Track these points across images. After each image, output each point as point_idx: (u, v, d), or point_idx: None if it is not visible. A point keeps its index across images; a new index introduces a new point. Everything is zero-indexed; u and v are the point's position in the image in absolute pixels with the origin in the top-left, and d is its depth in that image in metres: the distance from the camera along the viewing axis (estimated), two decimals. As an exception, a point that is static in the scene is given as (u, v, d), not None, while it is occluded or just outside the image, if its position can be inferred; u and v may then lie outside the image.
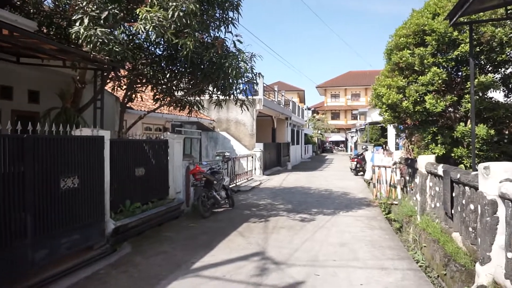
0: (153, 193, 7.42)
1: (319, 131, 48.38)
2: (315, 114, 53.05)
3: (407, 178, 8.63)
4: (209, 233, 6.59)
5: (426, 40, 6.83)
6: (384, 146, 21.16)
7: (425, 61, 6.71)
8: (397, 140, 10.30)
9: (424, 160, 6.54)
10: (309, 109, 50.82)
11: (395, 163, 9.10)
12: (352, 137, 41.75)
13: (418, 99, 6.76)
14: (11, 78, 7.71)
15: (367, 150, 18.65)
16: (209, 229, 6.89)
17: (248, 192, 12.00)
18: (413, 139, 7.96)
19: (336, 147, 54.87)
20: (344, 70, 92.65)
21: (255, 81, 7.58)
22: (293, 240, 6.19)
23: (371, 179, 15.52)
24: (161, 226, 7.01)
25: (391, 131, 23.04)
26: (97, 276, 4.52)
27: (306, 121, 38.14)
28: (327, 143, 51.94)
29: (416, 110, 6.78)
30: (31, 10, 6.23)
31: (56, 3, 6.83)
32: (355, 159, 18.37)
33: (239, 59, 6.57)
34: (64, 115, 6.57)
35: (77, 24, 5.38)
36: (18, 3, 6.40)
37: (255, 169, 16.85)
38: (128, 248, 5.58)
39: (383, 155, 12.91)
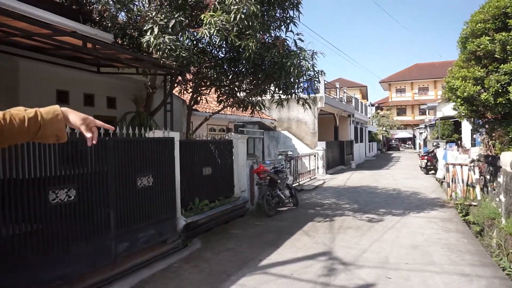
0: (220, 191, 7.68)
1: (384, 128, 46.20)
2: (379, 111, 50.77)
3: (488, 177, 7.88)
4: (274, 232, 6.64)
5: (508, 24, 6.16)
6: (458, 142, 19.56)
7: (508, 47, 6.06)
8: (474, 135, 9.43)
9: (509, 157, 5.91)
10: (372, 105, 48.75)
11: (473, 161, 8.36)
12: (420, 133, 39.20)
13: (500, 90, 6.13)
14: (92, 87, 8.49)
15: (438, 147, 17.38)
16: (274, 228, 6.94)
17: (311, 191, 11.88)
18: (494, 134, 7.24)
19: (403, 144, 51.96)
20: (410, 63, 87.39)
21: (317, 79, 7.47)
22: (361, 240, 6.00)
23: (444, 178, 14.44)
24: (227, 223, 7.23)
25: (466, 126, 21.17)
26: (172, 269, 4.79)
27: (369, 118, 36.67)
28: (393, 141, 49.40)
29: (497, 102, 6.16)
30: (108, 24, 6.79)
31: (129, 15, 7.37)
32: (426, 157, 17.23)
33: (301, 58, 6.53)
34: (138, 118, 7.07)
35: (148, 33, 5.75)
36: (97, 18, 7.02)
37: (317, 168, 16.62)
38: (198, 244, 5.84)
39: (458, 152, 11.93)
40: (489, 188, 7.72)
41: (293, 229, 6.78)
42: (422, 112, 45.39)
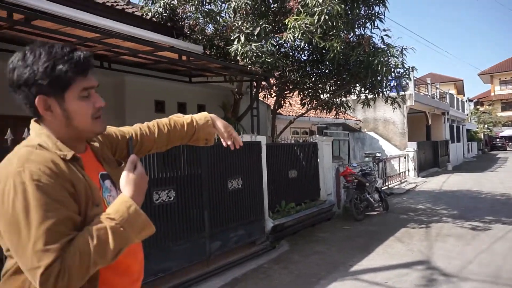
0: (305, 194, 7.65)
1: (486, 126, 41.20)
2: (478, 106, 45.49)
3: None
4: (364, 236, 6.39)
5: None
6: None
7: None
8: None
9: None
10: (470, 100, 43.88)
11: None
12: (533, 130, 34.08)
13: None
14: (185, 96, 9.19)
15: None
16: (364, 233, 6.67)
17: (402, 195, 11.15)
18: None
19: (510, 143, 45.73)
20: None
21: (407, 76, 7.01)
22: (464, 250, 5.43)
23: None
24: (314, 227, 7.16)
25: None
26: (262, 269, 4.92)
27: (467, 115, 33.08)
28: (498, 139, 43.73)
29: None
30: (199, 37, 7.29)
31: (216, 26, 7.82)
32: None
33: (389, 55, 6.20)
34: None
35: (235, 42, 6.03)
36: (188, 32, 7.60)
37: (408, 170, 15.53)
38: (286, 246, 5.90)
39: None
40: None
41: (384, 234, 6.44)
42: (534, 106, 39.43)
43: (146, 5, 7.07)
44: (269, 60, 5.89)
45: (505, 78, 47.07)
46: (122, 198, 1.07)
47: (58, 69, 1.04)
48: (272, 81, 8.95)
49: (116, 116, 8.02)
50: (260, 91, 8.72)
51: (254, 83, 7.09)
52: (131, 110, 7.98)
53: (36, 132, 1.10)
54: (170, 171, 4.56)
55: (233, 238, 5.43)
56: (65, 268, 0.92)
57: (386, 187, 12.07)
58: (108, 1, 6.39)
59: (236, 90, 7.79)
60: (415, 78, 17.08)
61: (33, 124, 1.12)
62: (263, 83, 7.62)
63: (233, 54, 5.97)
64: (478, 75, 49.18)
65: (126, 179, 1.11)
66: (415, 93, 16.36)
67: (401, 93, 7.83)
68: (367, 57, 6.36)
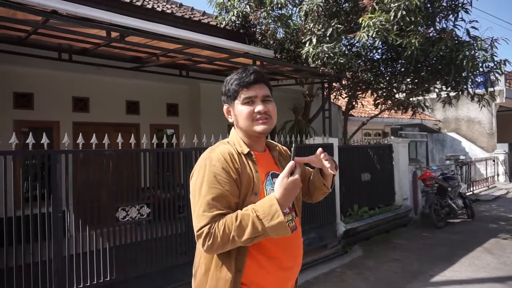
0: (379, 198, 7.35)
1: None
2: None
3: None
4: (446, 245, 5.94)
5: None
6: None
7: None
8: None
9: None
10: None
11: None
12: None
13: None
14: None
15: None
16: (446, 241, 6.20)
17: (490, 202, 10.11)
18: None
19: None
20: None
21: (498, 71, 6.35)
22: None
23: None
24: (388, 233, 6.85)
25: None
26: (335, 273, 4.85)
27: None
28: None
29: None
30: (270, 42, 7.43)
31: (287, 30, 7.89)
32: None
33: (476, 48, 5.68)
34: (297, 126, 7.47)
35: (307, 44, 6.03)
36: (259, 38, 7.77)
37: (497, 175, 14.03)
38: (359, 251, 5.73)
39: None
40: None
41: (470, 244, 5.91)
42: None
43: (220, 15, 7.40)
44: (342, 61, 5.78)
45: None
46: (270, 197, 1.30)
47: (229, 86, 1.48)
48: (344, 81, 8.77)
49: (192, 121, 8.54)
50: (331, 92, 8.60)
51: (326, 85, 7.01)
52: (206, 115, 8.42)
53: (231, 133, 1.54)
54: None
55: (305, 241, 5.43)
56: (211, 233, 1.25)
57: (471, 193, 11.04)
58: (186, 14, 6.83)
59: (307, 92, 7.77)
60: (505, 72, 15.36)
61: (232, 128, 1.55)
62: (335, 84, 7.50)
63: (304, 56, 5.98)
64: None
65: (280, 182, 1.31)
66: (506, 88, 14.72)
67: (490, 89, 7.12)
68: (449, 52, 5.90)
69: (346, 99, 9.18)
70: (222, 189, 1.31)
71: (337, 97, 9.27)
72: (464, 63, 5.65)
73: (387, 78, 8.37)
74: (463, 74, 6.60)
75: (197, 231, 1.28)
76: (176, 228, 4.13)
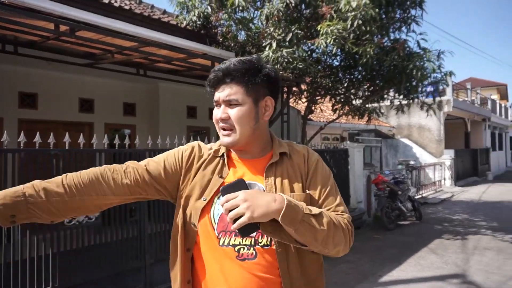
0: (335, 201, 7.56)
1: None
2: (524, 113, 42.95)
3: None
4: (395, 247, 6.21)
5: None
6: None
7: None
8: None
9: None
10: (514, 106, 41.52)
11: None
12: None
13: None
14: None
15: None
16: (395, 243, 6.48)
17: (437, 205, 10.73)
18: None
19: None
20: None
21: (444, 81, 6.78)
22: (504, 265, 5.15)
23: None
24: (344, 234, 7.04)
25: None
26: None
27: (511, 121, 31.31)
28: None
29: None
30: (231, 44, 7.42)
31: (249, 33, 7.92)
32: None
33: (425, 59, 6.03)
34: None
35: (267, 48, 6.08)
36: (220, 39, 7.74)
37: (444, 179, 14.93)
38: (315, 253, 5.84)
39: None
40: None
41: (417, 245, 6.23)
42: None
43: (181, 14, 7.29)
44: (301, 66, 5.90)
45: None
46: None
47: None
48: (303, 86, 8.94)
49: (150, 122, 8.33)
50: (290, 96, 8.73)
51: (286, 89, 7.10)
52: (164, 115, 8.24)
53: None
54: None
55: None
56: None
57: (420, 196, 11.67)
58: (145, 11, 6.65)
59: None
60: (453, 83, 16.43)
61: None
62: (294, 88, 7.62)
63: (264, 60, 6.03)
64: (523, 79, 46.42)
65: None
66: (453, 98, 15.74)
67: (438, 98, 7.58)
68: (401, 62, 6.21)
69: (305, 104, 9.37)
70: (158, 164, 1.18)
71: (296, 101, 9.44)
72: (414, 73, 5.97)
73: (345, 85, 8.65)
74: (414, 83, 6.97)
75: None
76: (127, 232, 3.98)
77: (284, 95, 6.92)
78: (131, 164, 1.18)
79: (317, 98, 9.14)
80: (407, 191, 8.04)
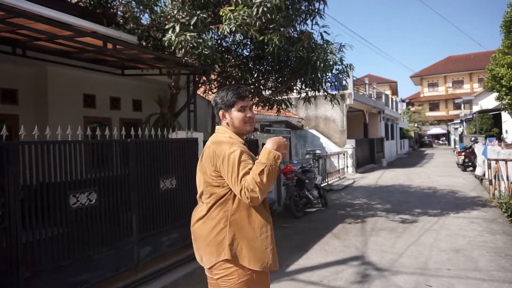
0: (245, 192, 7.49)
1: (416, 124, 44.52)
2: (410, 107, 49.03)
3: (537, 173, 7.22)
4: (302, 234, 6.36)
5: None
6: (501, 136, 18.40)
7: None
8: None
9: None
10: (403, 101, 47.14)
11: (519, 156, 7.69)
12: (455, 128, 37.41)
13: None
14: (118, 90, 8.55)
15: (477, 142, 16.42)
16: (303, 230, 6.66)
17: (341, 191, 11.47)
18: None
19: (436, 140, 49.90)
20: (442, 56, 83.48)
21: (345, 73, 7.10)
22: (396, 244, 5.61)
23: (484, 175, 13.58)
24: (254, 225, 7.02)
25: (508, 119, 19.93)
26: (195, 275, 4.63)
27: (400, 114, 35.39)
28: (426, 137, 47.49)
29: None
30: (133, 26, 6.75)
31: (152, 16, 7.33)
32: (463, 153, 16.32)
33: (327, 51, 6.21)
34: (162, 120, 7.00)
35: (170, 31, 5.63)
36: (121, 21, 7.01)
37: (347, 167, 16.12)
38: (224, 247, 5.65)
39: (500, 147, 11.14)
40: (539, 186, 7.07)
41: (323, 231, 6.48)
42: (457, 107, 43.35)
43: (71, -12, 6.38)
44: (206, 52, 5.58)
45: (433, 81, 51.21)
46: (264, 148, 1.94)
47: (228, 97, 2.08)
48: (213, 76, 8.66)
49: (37, 111, 7.21)
50: (200, 86, 8.38)
51: (192, 77, 6.73)
52: (55, 104, 7.20)
53: (224, 130, 2.12)
54: (90, 172, 4.10)
55: (166, 242, 5.08)
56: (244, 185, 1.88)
57: (326, 183, 12.36)
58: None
59: (173, 84, 7.35)
60: (354, 79, 17.77)
61: (219, 126, 2.19)
62: (203, 77, 7.28)
63: (166, 43, 5.58)
64: (410, 77, 52.95)
65: (268, 140, 1.98)
66: (354, 92, 17.00)
67: (341, 91, 8.01)
68: (306, 53, 6.31)
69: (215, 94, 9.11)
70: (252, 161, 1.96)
71: (207, 91, 9.13)
72: (318, 64, 6.11)
73: (255, 75, 8.60)
74: (318, 75, 7.19)
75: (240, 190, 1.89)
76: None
77: (191, 85, 6.54)
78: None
79: (226, 88, 8.95)
80: (313, 179, 8.35)
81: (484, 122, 21.07)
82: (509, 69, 5.61)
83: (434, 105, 51.07)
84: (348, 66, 6.68)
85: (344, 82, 12.84)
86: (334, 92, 8.20)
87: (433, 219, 7.17)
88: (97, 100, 8.37)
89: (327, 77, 7.03)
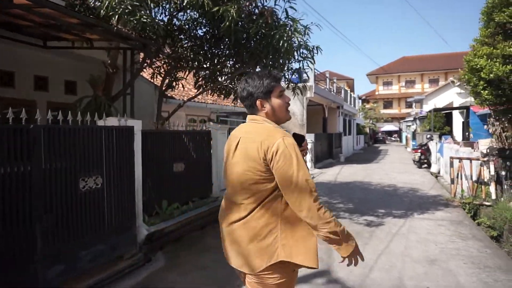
0: (195, 191, 6.51)
1: (371, 121, 45.62)
2: (365, 104, 50.19)
3: (503, 173, 6.94)
4: (258, 241, 5.52)
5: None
6: (452, 135, 18.85)
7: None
8: (485, 127, 8.49)
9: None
10: (359, 98, 48.09)
11: (487, 154, 7.39)
12: (408, 126, 38.68)
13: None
14: (46, 68, 7.18)
15: (432, 139, 16.58)
16: (259, 235, 5.82)
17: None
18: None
19: (389, 137, 51.60)
20: (397, 56, 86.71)
21: (311, 60, 6.31)
22: (364, 252, 4.88)
23: (439, 172, 13.63)
24: (204, 229, 6.09)
25: (457, 118, 20.49)
26: (123, 299, 3.62)
27: (357, 110, 35.87)
28: (379, 133, 48.91)
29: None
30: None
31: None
32: (419, 150, 16.41)
33: (292, 30, 5.36)
34: (94, 104, 5.81)
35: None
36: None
37: (305, 162, 15.55)
38: (162, 260, 4.66)
39: (459, 145, 11.06)
40: (505, 186, 6.78)
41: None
42: (409, 105, 44.90)
43: None
44: (146, 20, 4.51)
45: (387, 80, 52.73)
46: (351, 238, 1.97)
47: (265, 84, 1.86)
48: (161, 60, 7.58)
49: None
50: (145, 66, 7.23)
51: (131, 53, 5.60)
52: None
53: (264, 120, 1.88)
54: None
55: (87, 256, 4.00)
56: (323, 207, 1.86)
57: (285, 179, 11.64)
58: None
59: (109, 62, 6.15)
60: (315, 72, 17.24)
61: (255, 116, 1.90)
62: (142, 55, 6.15)
63: (92, 4, 4.44)
64: (367, 75, 54.16)
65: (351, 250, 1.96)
66: (315, 85, 16.47)
67: (303, 83, 7.30)
68: (269, 31, 5.43)
69: (167, 79, 8.00)
70: None
71: (155, 75, 8.00)
72: (281, 44, 5.24)
73: (210, 59, 7.61)
74: (281, 61, 6.37)
75: (314, 202, 1.73)
76: None
77: (128, 60, 5.42)
78: None
79: (178, 71, 7.88)
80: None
81: (437, 121, 21.54)
82: (489, 60, 5.06)
83: (388, 102, 52.67)
84: (315, 48, 5.87)
85: (305, 76, 12.13)
86: (296, 81, 7.43)
87: (399, 221, 6.65)
88: (17, 79, 6.96)
89: (291, 62, 6.20)
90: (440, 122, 21.70)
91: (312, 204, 1.69)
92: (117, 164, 4.41)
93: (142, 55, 7.23)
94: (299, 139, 1.89)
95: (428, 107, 25.30)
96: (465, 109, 17.75)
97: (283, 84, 7.58)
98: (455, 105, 21.02)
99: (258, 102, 1.86)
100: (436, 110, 20.81)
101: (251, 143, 1.76)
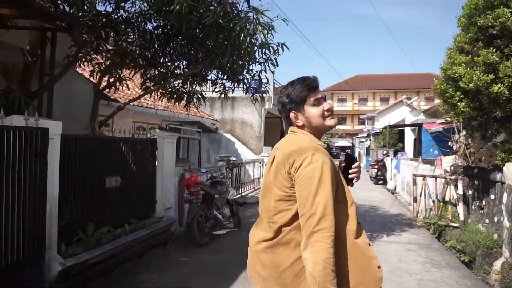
0: (133, 211, 5.42)
1: (326, 136, 46.35)
2: (321, 119, 51.05)
3: (470, 192, 6.60)
4: (207, 273, 4.56)
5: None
6: (404, 151, 19.13)
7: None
8: (450, 142, 8.24)
9: (519, 171, 4.53)
10: (315, 113, 48.77)
11: (454, 173, 7.05)
12: (361, 142, 39.62)
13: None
14: None
15: (388, 155, 16.63)
16: (207, 267, 4.85)
17: (255, 205, 9.95)
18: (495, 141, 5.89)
19: (342, 152, 52.76)
20: (352, 74, 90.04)
21: (273, 62, 5.58)
22: None
23: (395, 189, 13.52)
24: (141, 257, 5.03)
25: (409, 135, 20.98)
26: None
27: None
28: (334, 149, 49.83)
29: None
30: None
31: None
32: (376, 166, 16.34)
33: (255, 23, 4.58)
34: (4, 99, 4.60)
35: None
36: None
37: (262, 176, 14.83)
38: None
39: (417, 162, 10.89)
40: (473, 207, 6.42)
41: (234, 268, 4.73)
42: (361, 122, 46.32)
43: None
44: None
45: (342, 97, 54.23)
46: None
47: (297, 93, 1.67)
48: (102, 57, 6.53)
49: None
50: (79, 60, 6.11)
51: (52, 35, 4.49)
52: None
53: (299, 130, 1.71)
54: None
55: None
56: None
57: (240, 195, 10.78)
58: None
59: (28, 48, 4.96)
60: (275, 84, 16.72)
61: (293, 127, 1.73)
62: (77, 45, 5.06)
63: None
64: (322, 91, 55.24)
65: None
66: (273, 96, 15.92)
67: (260, 95, 6.62)
68: (228, 23, 4.61)
69: (105, 77, 6.90)
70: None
71: (96, 73, 6.86)
72: (241, 38, 4.44)
73: (161, 56, 6.66)
74: (240, 62, 5.59)
75: (323, 227, 1.44)
76: None
77: (47, 43, 4.32)
78: None
79: (122, 69, 6.83)
80: (225, 193, 6.61)
81: (391, 137, 21.92)
82: (468, 68, 4.61)
83: (342, 119, 53.98)
84: (280, 45, 5.11)
85: (265, 81, 11.52)
86: (255, 87, 6.67)
87: (375, 243, 6.02)
88: None
89: (251, 61, 5.41)
90: (394, 138, 22.11)
91: (314, 234, 1.44)
92: (18, 178, 3.29)
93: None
94: (350, 160, 1.75)
95: (379, 124, 25.85)
96: (417, 127, 18.13)
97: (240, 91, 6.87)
98: (407, 122, 21.55)
99: (292, 115, 1.70)
100: (391, 126, 21.17)
101: (281, 156, 1.63)
